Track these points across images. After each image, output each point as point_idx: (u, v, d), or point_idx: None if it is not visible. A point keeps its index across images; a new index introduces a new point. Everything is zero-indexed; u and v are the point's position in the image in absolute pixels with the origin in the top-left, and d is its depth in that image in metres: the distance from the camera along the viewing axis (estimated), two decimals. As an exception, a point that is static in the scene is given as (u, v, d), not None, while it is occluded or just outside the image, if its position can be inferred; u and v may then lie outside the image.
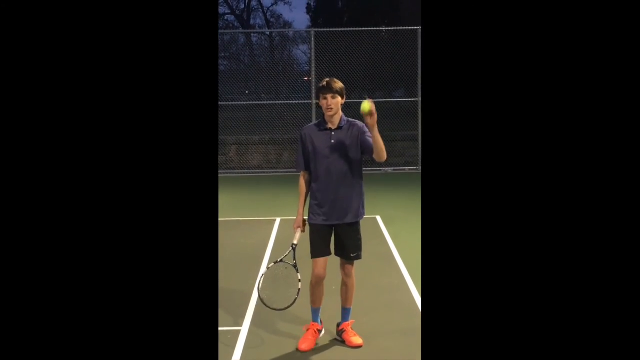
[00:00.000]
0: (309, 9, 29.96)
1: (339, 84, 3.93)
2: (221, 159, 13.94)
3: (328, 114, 3.95)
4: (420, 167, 12.89)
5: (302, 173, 4.21)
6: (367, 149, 3.97)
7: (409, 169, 13.15)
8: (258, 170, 13.95)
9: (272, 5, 31.72)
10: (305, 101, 13.98)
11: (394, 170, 13.01)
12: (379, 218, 8.06)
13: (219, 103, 14.78)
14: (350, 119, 4.07)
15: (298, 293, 4.02)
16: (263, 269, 6.23)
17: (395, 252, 6.63)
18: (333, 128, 4.01)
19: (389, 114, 12.82)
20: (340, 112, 4.02)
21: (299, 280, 4.04)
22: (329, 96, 3.89)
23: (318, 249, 4.09)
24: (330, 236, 4.13)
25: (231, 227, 8.14)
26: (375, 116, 3.70)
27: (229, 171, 13.74)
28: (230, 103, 15.63)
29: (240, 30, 28.19)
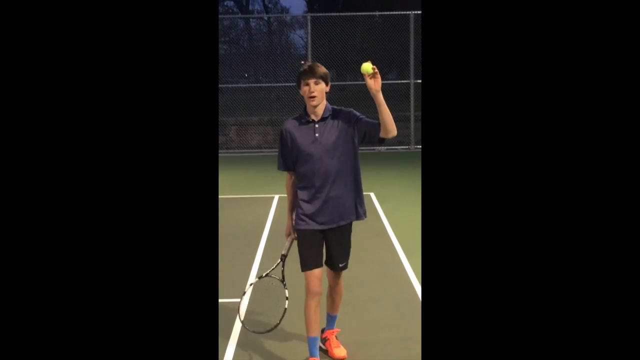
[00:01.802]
0: None
1: (322, 69, 3.15)
2: (221, 139, 13.89)
3: (311, 103, 3.13)
4: (412, 147, 12.95)
5: (287, 174, 3.39)
6: (369, 132, 3.17)
7: (402, 148, 13.06)
8: (257, 150, 13.92)
9: None
10: (302, 85, 14.07)
11: (387, 149, 12.92)
12: (373, 195, 8.01)
13: (220, 86, 14.73)
14: (336, 107, 3.27)
15: (284, 313, 3.41)
16: (262, 244, 6.22)
17: (388, 227, 6.58)
18: (316, 120, 3.19)
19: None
20: (325, 101, 3.20)
21: (287, 298, 3.40)
22: (311, 81, 3.09)
23: (309, 260, 3.28)
24: (322, 243, 3.33)
25: (231, 204, 8.14)
26: (379, 78, 2.95)
27: (229, 151, 13.70)
28: (230, 85, 15.45)
29: (239, 15, 27.92)
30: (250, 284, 3.55)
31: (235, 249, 5.94)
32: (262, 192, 8.73)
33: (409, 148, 12.85)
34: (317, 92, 3.09)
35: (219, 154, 13.16)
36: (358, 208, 3.31)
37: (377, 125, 3.07)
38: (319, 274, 3.28)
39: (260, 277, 3.49)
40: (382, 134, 3.06)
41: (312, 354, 3.40)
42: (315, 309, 3.30)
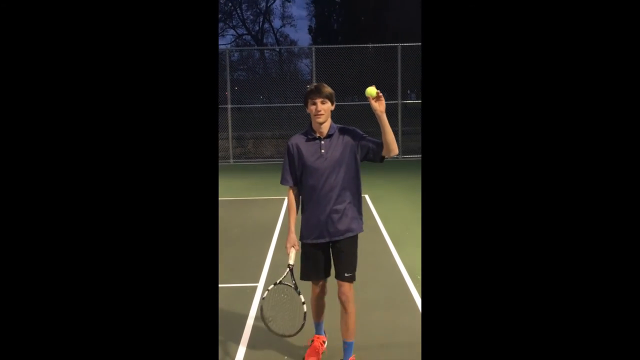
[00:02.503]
0: (310, 30, 30.33)
1: (328, 89, 2.97)
2: (241, 150, 14.22)
3: (317, 120, 2.95)
4: (400, 156, 13.19)
5: (289, 190, 3.15)
6: (372, 150, 3.00)
7: (391, 157, 13.24)
8: (271, 159, 14.04)
9: (281, 27, 32.14)
10: (308, 104, 14.48)
11: (379, 158, 13.13)
12: (367, 197, 8.05)
13: (239, 105, 15.15)
14: (340, 125, 3.08)
15: (304, 317, 3.05)
16: (275, 237, 6.20)
17: (380, 225, 6.65)
18: (322, 137, 3.00)
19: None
20: (330, 120, 3.02)
21: (303, 303, 3.06)
22: (318, 101, 2.92)
23: (309, 273, 3.13)
24: (325, 256, 3.11)
25: (249, 204, 8.28)
26: (383, 101, 2.84)
27: (248, 160, 13.97)
28: (247, 105, 16.00)
29: (255, 47, 28.42)
30: (267, 289, 3.17)
31: (252, 240, 6.11)
32: (274, 194, 8.77)
33: (397, 157, 13.15)
34: (324, 111, 2.94)
35: (239, 163, 13.52)
36: (359, 221, 3.12)
37: (379, 145, 2.96)
38: (322, 285, 3.17)
39: (274, 284, 3.14)
40: (384, 153, 2.96)
41: (317, 333, 3.34)
42: (318, 302, 3.22)
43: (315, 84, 3.03)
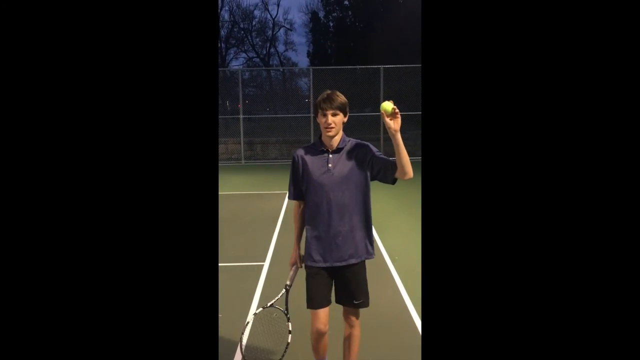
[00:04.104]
0: (308, 54, 30.65)
1: (341, 98, 2.22)
2: (251, 153, 14.33)
3: (327, 134, 2.21)
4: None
5: (295, 203, 2.40)
6: (384, 170, 2.21)
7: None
8: (275, 160, 14.06)
9: (284, 51, 32.86)
10: (306, 115, 14.54)
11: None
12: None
13: (250, 116, 15.37)
14: (354, 139, 2.30)
15: (286, 348, 2.38)
16: (278, 224, 6.11)
17: None
18: (331, 150, 2.26)
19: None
20: (341, 132, 2.27)
21: (289, 332, 2.39)
22: (329, 112, 2.18)
23: (316, 299, 2.28)
24: (331, 281, 2.31)
25: (257, 197, 8.26)
26: (399, 118, 2.03)
27: (256, 161, 13.99)
28: (256, 116, 16.21)
29: (263, 68, 28.67)
30: (254, 313, 2.50)
31: (260, 227, 6.04)
32: (278, 189, 8.72)
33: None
34: (335, 124, 2.19)
35: (249, 163, 13.61)
36: (368, 246, 2.31)
37: (392, 165, 2.17)
38: (326, 313, 2.29)
39: (264, 307, 2.47)
40: (397, 175, 2.16)
41: None
42: (319, 341, 2.35)
43: (328, 91, 2.24)
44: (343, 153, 2.26)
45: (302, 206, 2.38)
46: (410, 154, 2.15)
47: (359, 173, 2.26)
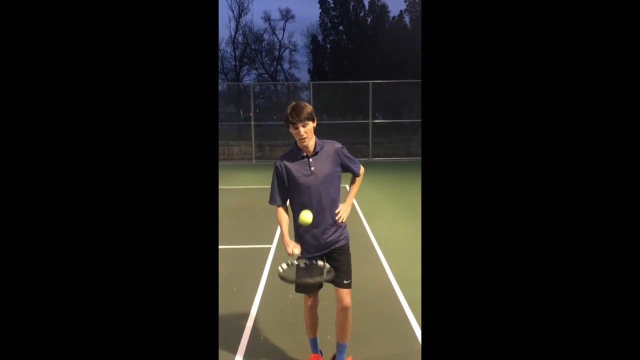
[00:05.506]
0: (309, 71, 31.07)
1: (307, 109, 2.12)
2: (261, 153, 14.38)
3: (303, 143, 2.15)
4: (370, 159, 13.17)
5: (277, 207, 2.27)
6: (347, 169, 2.27)
7: (364, 159, 13.21)
8: None
9: (289, 68, 32.65)
10: (307, 122, 14.91)
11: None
12: (347, 186, 7.79)
13: (260, 123, 15.47)
14: (326, 140, 2.25)
15: (329, 270, 2.12)
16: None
17: (359, 210, 6.27)
18: (309, 155, 2.18)
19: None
20: (314, 137, 2.18)
21: (327, 270, 2.12)
22: (299, 125, 2.10)
23: (306, 287, 2.23)
24: (319, 269, 2.14)
25: (265, 191, 7.93)
26: (348, 212, 2.22)
27: (265, 161, 14.00)
28: (265, 123, 16.08)
29: (271, 82, 28.80)
30: (293, 263, 2.18)
31: (267, 215, 5.85)
32: None
33: (368, 159, 13.31)
34: (306, 133, 2.12)
35: (259, 162, 13.64)
36: (346, 228, 2.28)
37: (353, 171, 2.29)
38: (314, 296, 2.29)
39: (288, 264, 2.18)
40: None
41: (313, 352, 2.42)
42: (311, 314, 2.31)
43: (293, 103, 2.14)
44: (321, 154, 2.20)
45: (284, 210, 2.26)
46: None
47: (335, 169, 2.23)
